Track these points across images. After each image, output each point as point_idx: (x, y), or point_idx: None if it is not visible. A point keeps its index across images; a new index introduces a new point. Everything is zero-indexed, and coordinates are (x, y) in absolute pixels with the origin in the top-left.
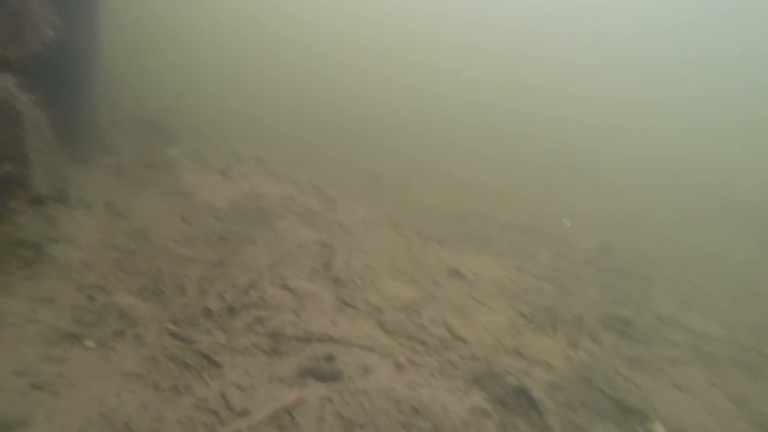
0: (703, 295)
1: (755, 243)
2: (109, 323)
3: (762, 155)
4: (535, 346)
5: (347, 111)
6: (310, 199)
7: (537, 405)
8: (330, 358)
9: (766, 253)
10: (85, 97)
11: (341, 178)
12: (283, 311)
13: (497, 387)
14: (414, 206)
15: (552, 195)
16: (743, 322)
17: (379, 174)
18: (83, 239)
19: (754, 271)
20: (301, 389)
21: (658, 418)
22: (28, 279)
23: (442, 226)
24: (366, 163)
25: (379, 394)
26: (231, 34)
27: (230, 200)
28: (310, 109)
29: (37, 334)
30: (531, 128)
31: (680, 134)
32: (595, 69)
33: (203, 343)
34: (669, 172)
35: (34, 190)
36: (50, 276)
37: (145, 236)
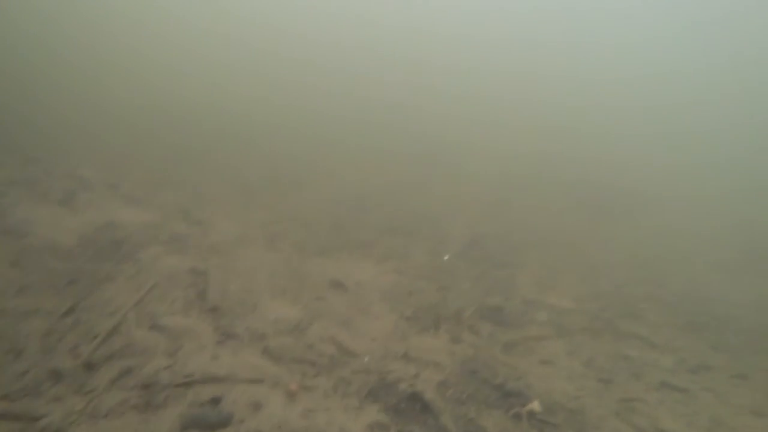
0: (558, 275)
1: (585, 215)
2: None
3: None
4: (421, 347)
5: (209, 125)
6: (176, 223)
7: (430, 407)
8: (216, 401)
9: (592, 221)
10: None
11: (210, 197)
12: (155, 355)
13: (391, 396)
14: (289, 217)
15: (425, 191)
16: (588, 293)
17: (250, 186)
18: None
19: (590, 242)
20: None
21: (534, 396)
22: None
23: (320, 237)
24: (235, 176)
25: (273, 430)
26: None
27: (78, 234)
28: (169, 126)
29: None
30: (403, 124)
31: (535, 131)
32: (465, 67)
33: (53, 416)
34: (531, 163)
35: None
36: None
37: None
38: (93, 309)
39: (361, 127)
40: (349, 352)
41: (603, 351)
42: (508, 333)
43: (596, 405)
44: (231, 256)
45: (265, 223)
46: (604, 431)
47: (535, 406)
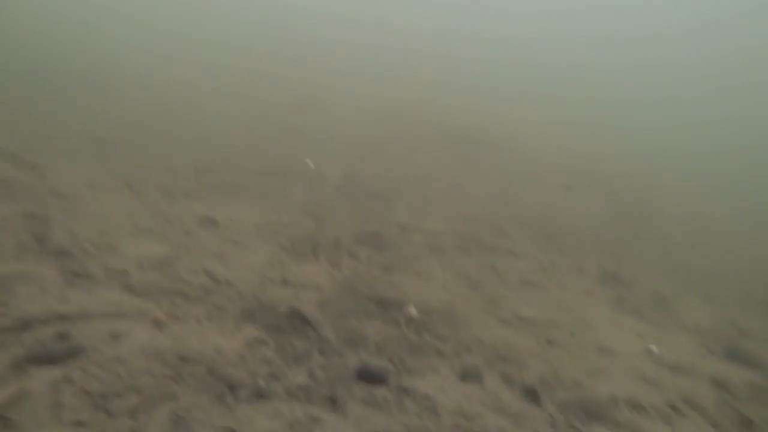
0: (431, 204)
1: (455, 153)
2: None
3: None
4: (300, 273)
5: (54, 69)
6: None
7: (310, 321)
8: (63, 337)
9: (461, 158)
10: None
11: (51, 144)
12: None
13: (270, 317)
14: (155, 167)
15: (298, 136)
16: (459, 216)
17: (107, 139)
18: None
19: (460, 175)
20: (18, 382)
21: (410, 302)
22: None
23: (189, 182)
24: (87, 129)
25: (136, 356)
26: None
27: None
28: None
29: None
30: (271, 69)
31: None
32: (334, 14)
33: None
34: (402, 110)
35: None
36: None
37: None
38: None
39: (235, 75)
40: (223, 281)
41: (473, 263)
42: (385, 255)
43: (466, 305)
44: (81, 200)
45: (123, 169)
46: (473, 324)
47: (411, 310)
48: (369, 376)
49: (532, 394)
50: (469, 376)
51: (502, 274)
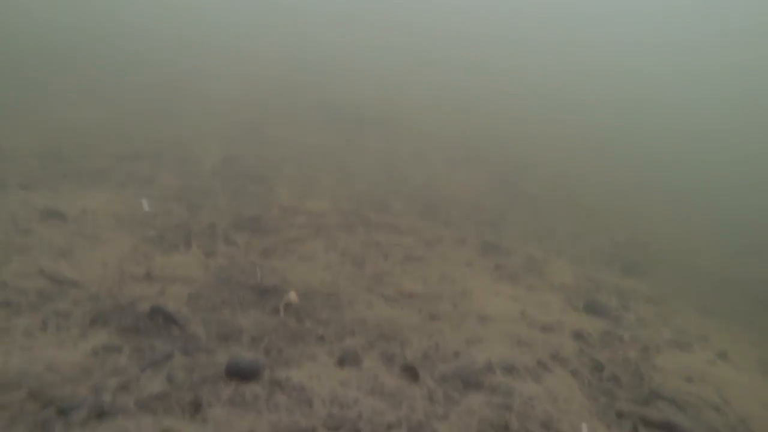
0: (315, 184)
1: (338, 133)
2: None
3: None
4: (167, 265)
5: None
6: None
7: (175, 318)
8: None
9: (345, 137)
10: None
11: None
12: None
13: (126, 318)
14: None
15: (169, 116)
16: (343, 195)
17: None
18: None
19: (344, 154)
20: None
21: (291, 288)
22: None
23: (29, 169)
24: None
25: None
26: None
27: None
28: None
29: None
30: (137, 47)
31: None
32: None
33: None
34: (278, 89)
35: None
36: None
37: None
38: None
39: (95, 49)
40: (67, 281)
41: (357, 241)
42: (266, 239)
43: (350, 285)
44: None
45: None
46: (357, 304)
47: (292, 296)
48: (239, 373)
49: (410, 371)
50: (347, 360)
51: (386, 250)
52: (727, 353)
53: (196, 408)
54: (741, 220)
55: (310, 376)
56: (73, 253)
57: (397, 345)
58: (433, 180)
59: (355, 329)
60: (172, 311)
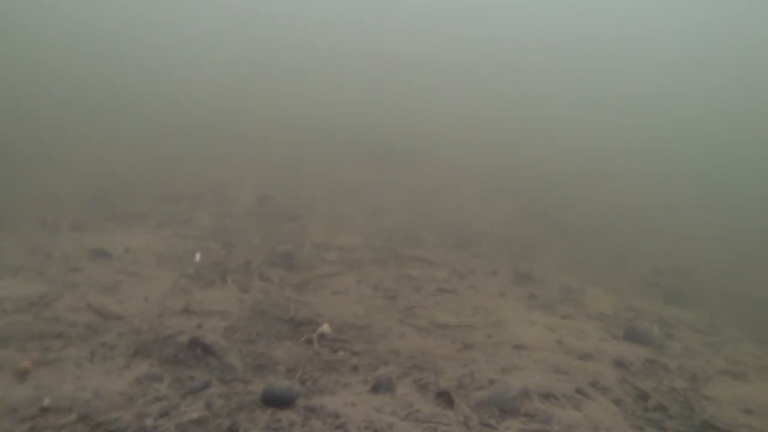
0: (347, 219)
1: (368, 168)
2: None
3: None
4: (205, 300)
5: None
6: None
7: (212, 349)
8: None
9: (375, 173)
10: None
11: None
12: None
13: (167, 349)
14: (36, 198)
15: (207, 159)
16: (374, 230)
17: None
18: None
19: (375, 189)
20: None
21: (324, 321)
22: None
23: (78, 212)
24: None
25: None
26: None
27: None
28: None
29: None
30: (172, 92)
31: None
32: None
33: None
34: (312, 127)
35: None
36: None
37: None
38: None
39: (134, 97)
40: (113, 316)
41: (389, 275)
42: (299, 275)
43: (383, 318)
44: None
45: None
46: (390, 336)
47: (325, 328)
48: (275, 400)
49: (445, 397)
50: (381, 387)
51: (418, 283)
52: None
53: None
54: None
55: (344, 403)
56: (118, 289)
57: (431, 374)
58: (464, 212)
59: (388, 359)
60: (210, 343)
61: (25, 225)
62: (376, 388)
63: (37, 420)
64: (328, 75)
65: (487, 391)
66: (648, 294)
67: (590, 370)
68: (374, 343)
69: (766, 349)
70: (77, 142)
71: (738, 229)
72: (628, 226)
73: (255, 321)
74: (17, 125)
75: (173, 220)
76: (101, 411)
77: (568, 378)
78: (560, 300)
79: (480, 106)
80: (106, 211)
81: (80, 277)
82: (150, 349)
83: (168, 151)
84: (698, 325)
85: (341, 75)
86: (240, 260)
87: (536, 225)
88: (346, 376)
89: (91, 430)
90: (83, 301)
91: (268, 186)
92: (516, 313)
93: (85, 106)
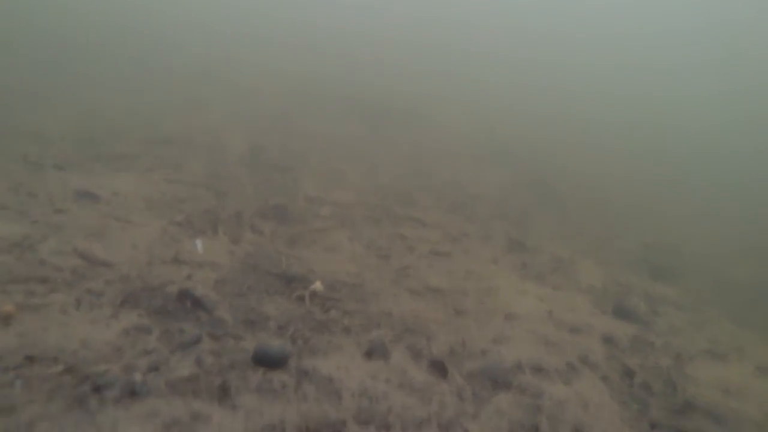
0: (341, 174)
1: (365, 125)
2: None
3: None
4: (195, 250)
5: None
6: None
7: (203, 302)
8: None
9: (372, 130)
10: None
11: None
12: None
13: (156, 299)
14: (18, 133)
15: (201, 106)
16: (369, 187)
17: None
18: None
19: (370, 146)
20: None
21: (316, 278)
22: None
23: (64, 151)
24: None
25: None
26: None
27: None
28: None
29: None
30: (172, 35)
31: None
32: None
33: None
34: (307, 81)
35: None
36: None
37: None
38: None
39: (131, 38)
40: (100, 262)
41: (382, 234)
42: (291, 228)
43: (375, 277)
44: None
45: None
46: (382, 296)
47: (317, 286)
48: (266, 360)
49: (439, 367)
50: (375, 352)
51: (411, 244)
52: None
53: (224, 393)
54: None
55: (337, 367)
56: (105, 234)
57: (423, 339)
58: (460, 175)
59: (381, 322)
60: (200, 295)
61: (6, 161)
62: (369, 353)
63: (21, 369)
64: (329, 28)
65: (480, 361)
66: (636, 269)
67: (580, 344)
68: (366, 304)
69: (745, 331)
70: (65, 80)
71: (730, 210)
72: (621, 200)
73: (246, 274)
74: (5, 59)
75: (163, 164)
76: (88, 362)
77: (559, 352)
78: (551, 270)
79: (479, 68)
80: (93, 151)
81: (65, 218)
82: (138, 298)
83: (160, 95)
84: (683, 303)
85: (342, 28)
86: (231, 210)
87: (530, 192)
88: (339, 338)
89: (78, 382)
90: (69, 245)
91: (261, 136)
92: (508, 280)
93: (79, 43)
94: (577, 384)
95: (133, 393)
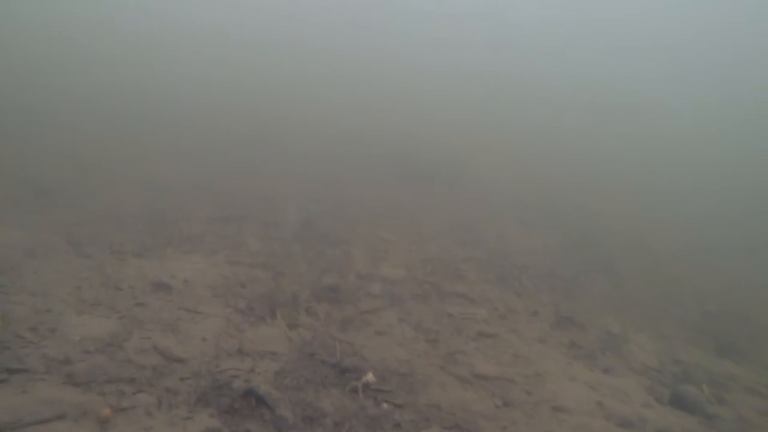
0: (389, 246)
1: (411, 186)
2: None
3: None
4: (257, 339)
5: None
6: None
7: (266, 401)
8: None
9: (418, 192)
10: None
11: None
12: None
13: (224, 397)
14: (102, 217)
15: (254, 174)
16: (416, 260)
17: (44, 181)
18: None
19: (417, 212)
20: None
21: (368, 368)
22: None
23: (140, 235)
24: (24, 171)
25: None
26: None
27: None
28: None
29: None
30: (221, 101)
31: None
32: (283, 43)
33: None
34: (354, 140)
35: None
36: None
37: None
38: None
39: (178, 107)
40: (175, 358)
41: (430, 313)
42: (343, 310)
43: (424, 364)
44: (19, 272)
45: (69, 224)
46: (431, 386)
47: (369, 377)
48: None
49: None
50: None
51: (459, 324)
52: None
53: None
54: None
55: None
56: (178, 327)
57: None
58: (506, 242)
59: (429, 416)
60: (263, 394)
61: (96, 251)
62: None
63: None
64: (375, 84)
65: None
66: (697, 343)
67: None
68: (416, 395)
69: None
70: (131, 155)
71: None
72: (679, 266)
73: (303, 364)
74: (78, 140)
75: (225, 244)
76: None
77: None
78: (602, 349)
79: (523, 125)
80: (165, 234)
81: (145, 312)
82: (209, 397)
83: (219, 161)
84: (754, 386)
85: (384, 84)
86: (288, 293)
87: (579, 259)
88: None
89: None
90: (149, 343)
91: (313, 206)
92: (556, 364)
93: (138, 117)
94: None
95: None
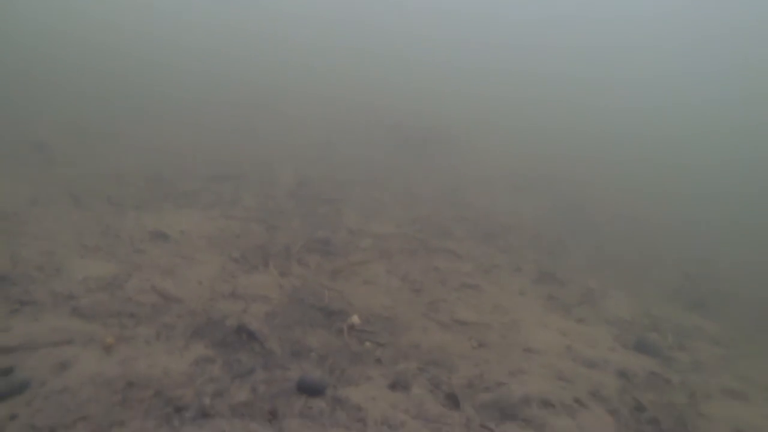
0: (381, 206)
1: (407, 153)
2: None
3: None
4: (249, 284)
5: None
6: None
7: (256, 335)
8: (6, 372)
9: (413, 158)
10: None
11: None
12: None
13: (217, 332)
14: (101, 174)
15: (252, 137)
16: (407, 218)
17: (46, 143)
18: None
19: (411, 176)
20: None
21: (354, 312)
22: None
23: (139, 190)
24: (26, 131)
25: (83, 384)
26: None
27: None
28: None
29: None
30: (219, 69)
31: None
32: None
33: None
34: (352, 109)
35: None
36: None
37: None
38: None
39: (184, 75)
40: (173, 298)
41: (417, 266)
42: (334, 262)
43: (407, 310)
44: (23, 220)
45: (72, 182)
46: (413, 329)
47: (355, 319)
48: (308, 389)
49: (452, 399)
50: (398, 384)
51: (444, 276)
52: None
53: (273, 416)
54: None
55: (366, 397)
56: (175, 272)
57: (445, 372)
58: (496, 205)
59: (409, 353)
60: (254, 330)
61: (96, 203)
62: (393, 386)
63: (125, 392)
64: (374, 55)
65: (493, 393)
66: (672, 300)
67: (593, 379)
68: (398, 336)
69: None
70: (129, 118)
71: None
72: (666, 231)
73: (293, 308)
74: (81, 106)
75: (221, 200)
76: (170, 387)
77: (570, 386)
78: (578, 302)
79: (519, 98)
80: (163, 190)
81: (144, 258)
82: (204, 331)
83: (218, 126)
84: (718, 337)
85: (386, 55)
86: (280, 245)
87: (567, 222)
88: (370, 369)
89: (164, 404)
90: (148, 284)
91: (308, 167)
92: (532, 313)
93: (139, 84)
94: (582, 417)
95: (204, 414)
